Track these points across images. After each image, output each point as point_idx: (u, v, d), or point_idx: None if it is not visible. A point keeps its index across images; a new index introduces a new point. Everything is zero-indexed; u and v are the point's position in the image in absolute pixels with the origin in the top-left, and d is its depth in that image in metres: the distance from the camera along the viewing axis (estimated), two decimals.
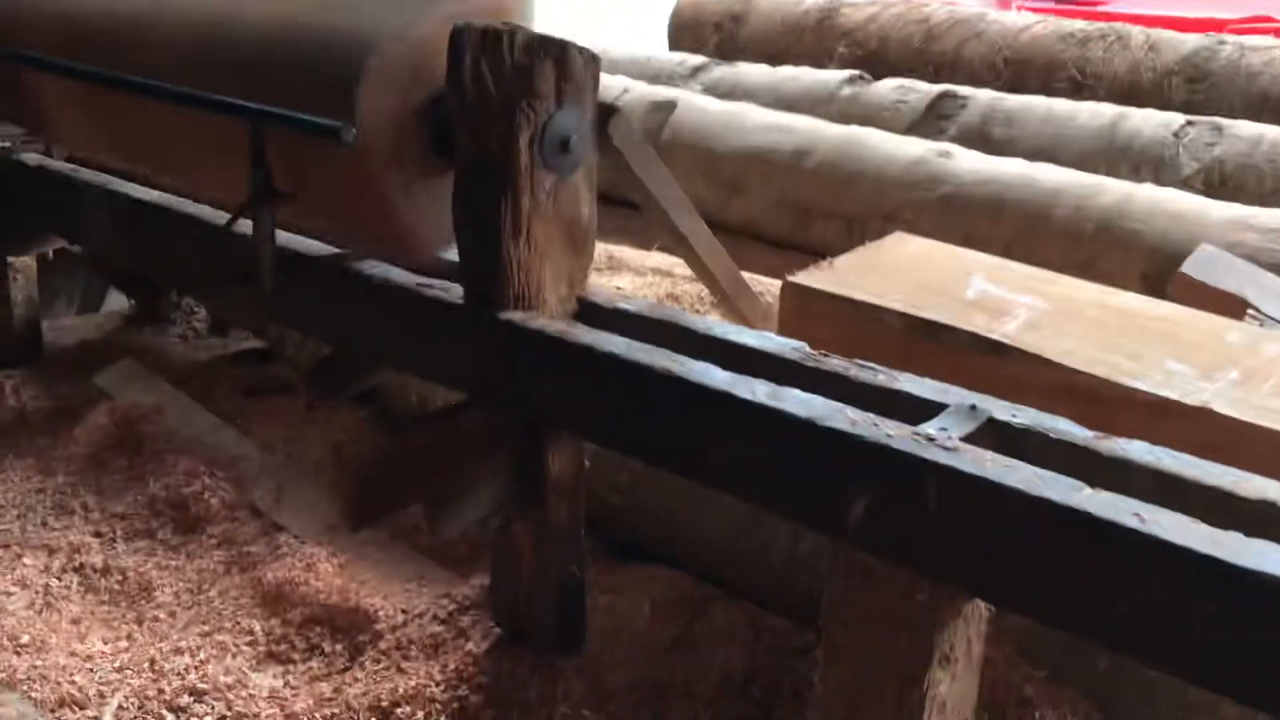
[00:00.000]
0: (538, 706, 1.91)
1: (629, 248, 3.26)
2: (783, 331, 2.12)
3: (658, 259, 3.19)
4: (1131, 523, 1.19)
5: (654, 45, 5.15)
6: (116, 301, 3.81)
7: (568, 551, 1.93)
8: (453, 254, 1.84)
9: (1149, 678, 1.63)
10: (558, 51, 1.68)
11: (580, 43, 1.73)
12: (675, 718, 1.90)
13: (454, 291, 1.84)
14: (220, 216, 2.14)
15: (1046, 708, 1.64)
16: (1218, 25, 6.31)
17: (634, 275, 3.04)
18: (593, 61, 1.73)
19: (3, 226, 2.82)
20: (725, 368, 1.58)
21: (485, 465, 1.83)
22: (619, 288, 2.94)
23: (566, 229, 1.77)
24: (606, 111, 1.78)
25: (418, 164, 1.84)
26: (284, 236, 2.05)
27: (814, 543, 1.91)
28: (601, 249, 3.24)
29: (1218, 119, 3.29)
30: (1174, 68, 3.77)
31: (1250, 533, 1.20)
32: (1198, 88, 3.70)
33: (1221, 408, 1.60)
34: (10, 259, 2.99)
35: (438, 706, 1.93)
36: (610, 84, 3.92)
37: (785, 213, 3.35)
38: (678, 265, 2.90)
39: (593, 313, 1.83)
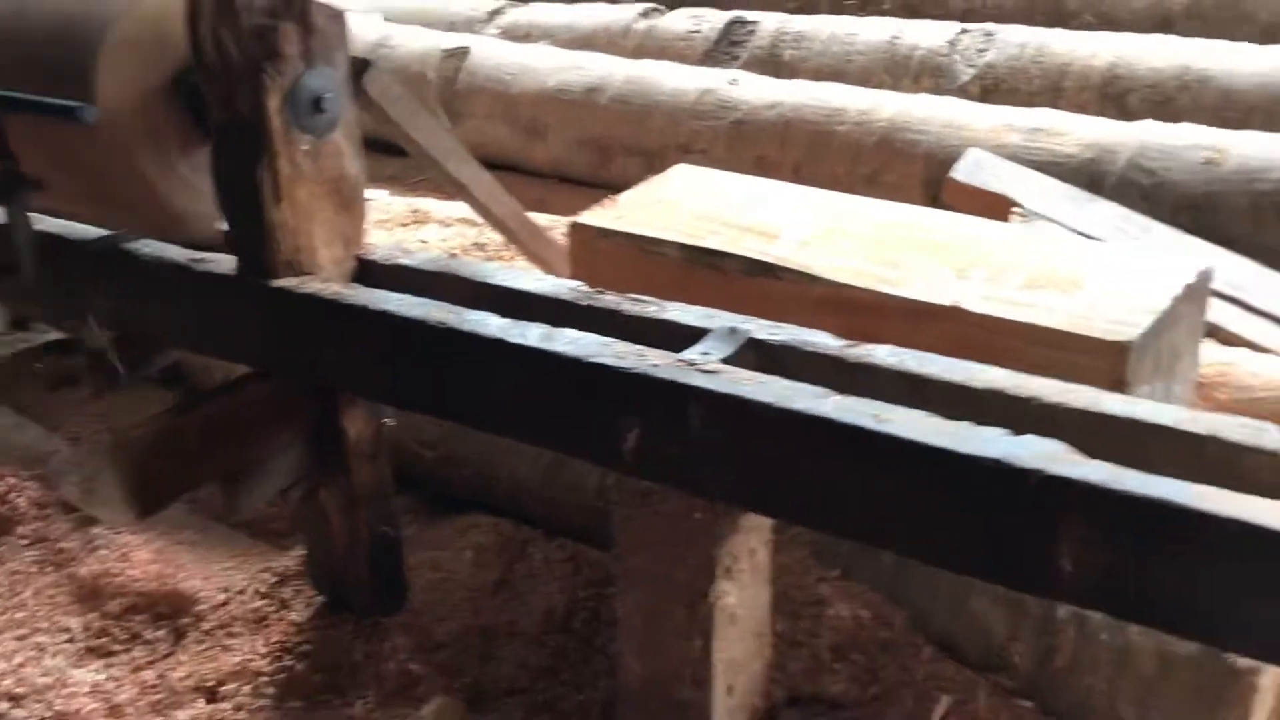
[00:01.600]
0: (365, 666, 1.94)
1: (435, 199, 3.24)
2: (574, 271, 2.15)
3: (465, 209, 3.17)
4: (869, 423, 1.27)
5: None
6: None
7: (377, 512, 1.94)
8: None
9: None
10: (299, 10, 1.65)
11: None
12: (503, 658, 1.94)
13: (226, 263, 1.81)
14: None
15: (840, 604, 1.74)
16: None
17: (439, 227, 3.02)
18: (338, 18, 1.71)
19: None
20: (505, 315, 1.61)
21: (278, 436, 1.82)
22: (424, 241, 2.93)
23: (333, 188, 1.76)
24: (360, 66, 1.76)
25: (177, 139, 1.79)
26: (52, 223, 1.99)
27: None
28: (405, 203, 3.21)
29: (989, 25, 3.42)
30: None
31: (984, 421, 1.29)
32: None
33: (971, 305, 1.70)
34: None
35: (264, 679, 1.93)
36: (398, 34, 3.86)
37: (586, 152, 3.37)
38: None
39: (372, 271, 1.82)
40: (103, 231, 1.98)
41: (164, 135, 1.78)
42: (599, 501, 2.07)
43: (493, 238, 2.89)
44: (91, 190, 1.89)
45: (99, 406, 2.89)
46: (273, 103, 1.64)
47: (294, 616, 2.04)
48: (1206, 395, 2.03)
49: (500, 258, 2.80)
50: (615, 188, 3.15)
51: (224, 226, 1.84)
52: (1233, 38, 3.26)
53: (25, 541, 2.35)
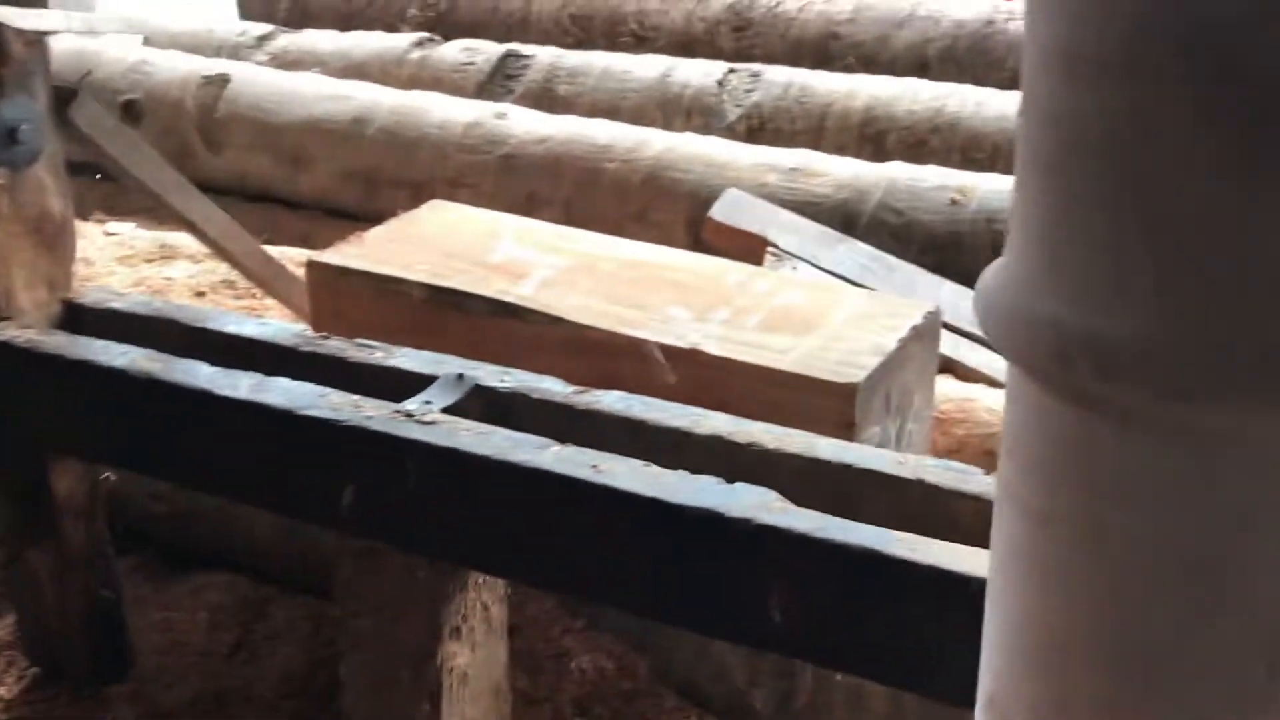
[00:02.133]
0: None
1: (187, 233, 3.06)
2: (314, 312, 2.06)
3: None
4: (588, 475, 1.23)
5: (224, 15, 4.87)
6: None
7: (95, 574, 1.80)
8: None
9: None
10: None
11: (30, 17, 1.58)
12: None
13: None
14: None
15: (584, 656, 1.69)
16: None
17: (189, 263, 2.86)
18: (36, 44, 1.58)
19: None
20: (223, 363, 1.51)
21: None
22: (168, 278, 2.76)
23: (34, 226, 1.63)
24: (66, 95, 1.63)
25: None
26: None
27: None
28: (153, 237, 3.04)
29: (755, 65, 3.49)
30: (722, 17, 3.96)
31: (709, 468, 1.27)
32: (743, 36, 3.91)
33: (709, 347, 1.69)
34: None
35: None
36: (157, 59, 3.67)
37: (352, 183, 3.26)
38: None
39: (81, 316, 1.69)
40: None
41: None
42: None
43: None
44: None
45: None
46: None
47: (3, 691, 1.87)
48: (947, 431, 2.09)
49: (252, 296, 2.67)
50: (384, 220, 3.06)
51: None
52: (984, 83, 3.42)
53: None
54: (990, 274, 0.63)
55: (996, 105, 3.17)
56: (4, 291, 1.61)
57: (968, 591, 1.07)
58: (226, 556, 2.09)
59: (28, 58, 1.57)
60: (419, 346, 1.62)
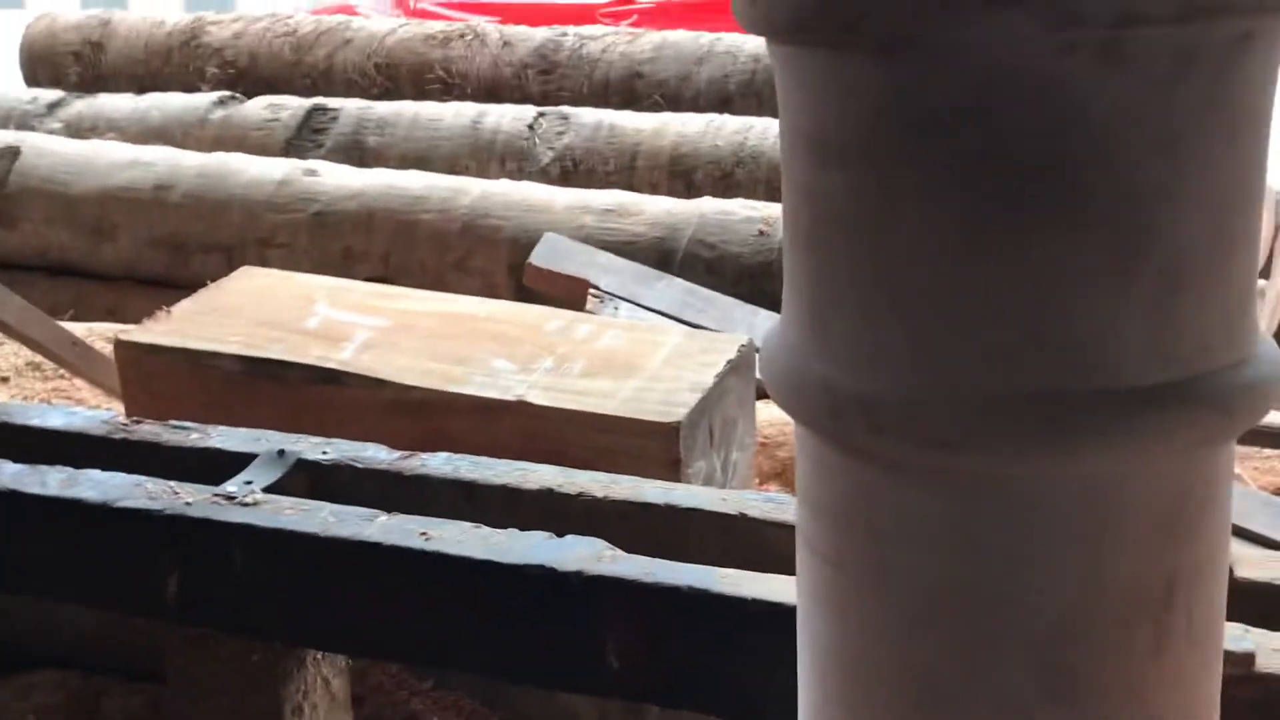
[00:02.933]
0: None
1: None
2: (126, 393, 1.99)
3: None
4: (417, 543, 1.24)
5: (8, 81, 4.66)
6: None
7: None
8: None
9: None
10: None
11: None
12: None
13: None
14: None
15: (433, 717, 1.68)
16: (589, 11, 6.84)
17: None
18: None
19: None
20: (29, 459, 1.45)
21: None
22: None
23: None
24: None
25: None
26: None
27: None
28: None
29: (564, 108, 3.55)
30: (528, 61, 4.01)
31: (541, 522, 1.29)
32: (550, 78, 3.97)
33: (535, 398, 1.72)
34: None
35: None
36: None
37: (161, 251, 3.16)
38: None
39: None
40: None
41: None
42: None
43: None
44: None
45: None
46: None
47: None
48: (771, 455, 2.17)
49: (61, 378, 2.56)
50: (197, 286, 2.99)
51: None
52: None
53: None
54: (769, 336, 0.68)
55: None
56: None
57: (793, 622, 1.12)
58: (53, 652, 2.00)
59: None
60: (238, 421, 1.59)
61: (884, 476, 0.61)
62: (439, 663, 1.33)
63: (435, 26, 4.28)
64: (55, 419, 1.58)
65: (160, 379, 1.93)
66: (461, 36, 4.11)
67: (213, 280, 2.34)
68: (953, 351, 0.56)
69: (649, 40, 3.94)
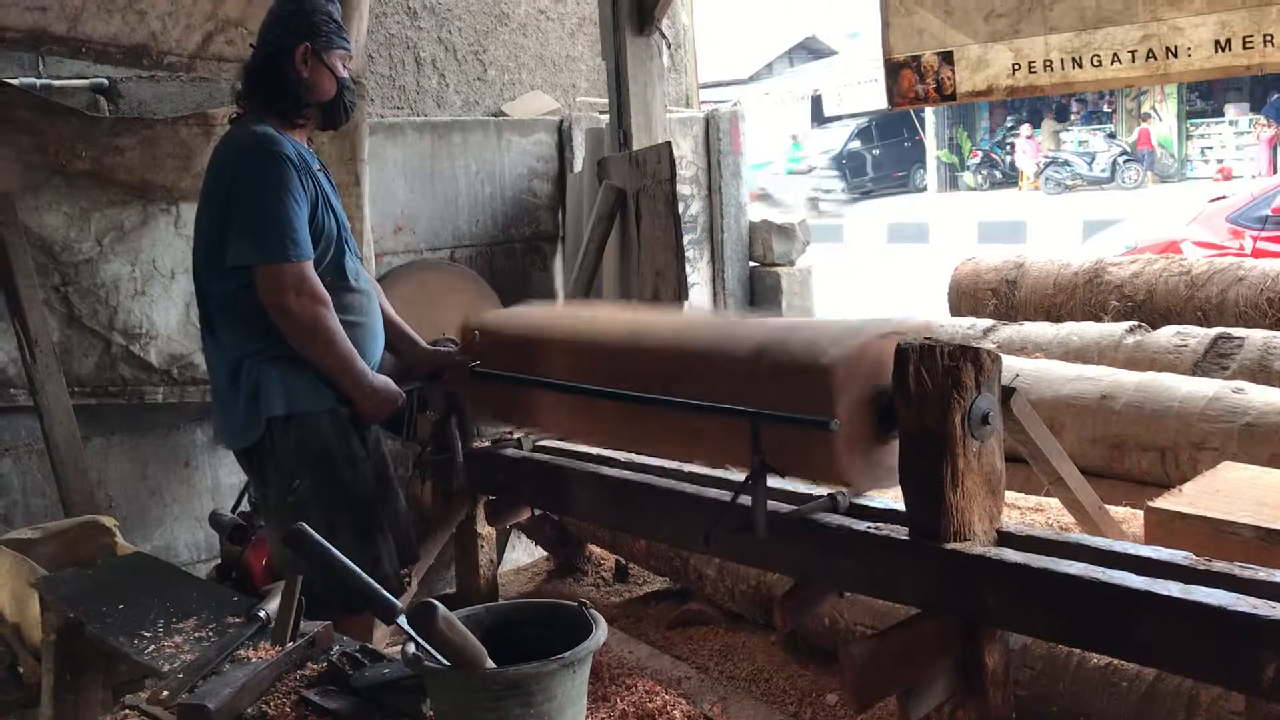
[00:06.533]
0: None
1: (1011, 491, 3.86)
2: (1150, 544, 2.68)
3: (1035, 499, 3.78)
4: None
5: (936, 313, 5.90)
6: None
7: None
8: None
9: None
10: (974, 354, 2.38)
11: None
12: None
13: (899, 531, 2.50)
14: (689, 487, 2.91)
15: None
16: None
17: (1016, 512, 3.62)
18: (995, 359, 2.42)
19: (492, 505, 3.68)
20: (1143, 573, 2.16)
21: (938, 661, 2.42)
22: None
23: (987, 479, 2.42)
24: (1007, 392, 2.45)
25: (866, 437, 2.55)
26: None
27: None
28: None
29: None
30: None
31: None
32: None
33: None
34: (480, 530, 3.85)
35: None
36: None
37: (1099, 448, 3.90)
38: (1048, 502, 3.50)
39: (1009, 539, 2.44)
40: (794, 506, 2.75)
41: (859, 435, 2.54)
42: None
43: (1059, 518, 3.44)
44: (796, 467, 2.68)
45: (715, 643, 3.66)
46: (956, 418, 2.35)
47: None
48: None
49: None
50: (1129, 479, 3.69)
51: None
52: None
53: None
54: None
55: None
56: (967, 522, 2.41)
57: None
58: None
59: (992, 368, 2.41)
60: None
61: None
62: None
63: None
64: (1147, 552, 2.27)
65: (1179, 538, 2.58)
66: None
67: (1149, 477, 2.97)
68: None
69: None
